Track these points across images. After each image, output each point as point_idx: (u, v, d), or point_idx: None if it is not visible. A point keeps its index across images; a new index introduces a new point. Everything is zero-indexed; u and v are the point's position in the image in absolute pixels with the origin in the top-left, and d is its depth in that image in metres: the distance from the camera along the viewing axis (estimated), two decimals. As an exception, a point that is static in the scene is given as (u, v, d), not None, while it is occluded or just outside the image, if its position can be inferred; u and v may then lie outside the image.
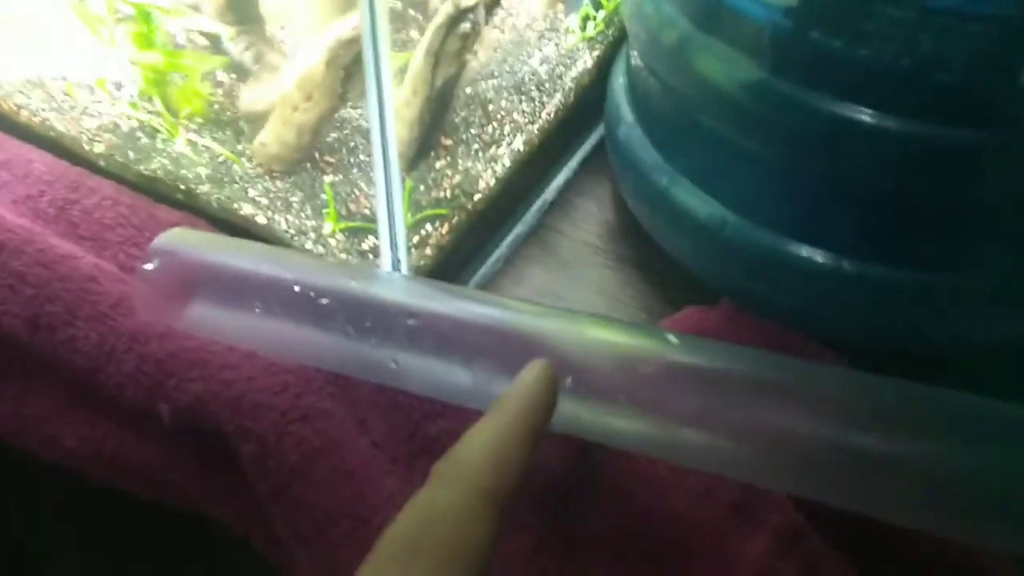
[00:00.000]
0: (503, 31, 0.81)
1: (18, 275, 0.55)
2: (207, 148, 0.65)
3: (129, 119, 0.67)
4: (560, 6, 0.83)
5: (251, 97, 0.64)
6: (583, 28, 0.78)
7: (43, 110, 0.67)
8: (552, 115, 0.73)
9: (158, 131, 0.66)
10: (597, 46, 0.78)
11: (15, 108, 0.67)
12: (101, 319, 0.54)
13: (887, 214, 0.53)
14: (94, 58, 0.68)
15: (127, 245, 0.61)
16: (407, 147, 0.64)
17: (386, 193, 0.54)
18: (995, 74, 0.47)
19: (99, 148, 0.65)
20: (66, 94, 0.68)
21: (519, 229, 0.76)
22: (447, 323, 0.48)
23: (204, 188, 0.62)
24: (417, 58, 0.60)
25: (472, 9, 0.59)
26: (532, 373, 0.39)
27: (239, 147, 0.65)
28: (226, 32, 0.62)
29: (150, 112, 0.67)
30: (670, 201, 0.66)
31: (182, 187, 0.63)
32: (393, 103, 0.49)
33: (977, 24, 0.46)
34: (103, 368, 0.53)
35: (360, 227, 0.61)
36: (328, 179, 0.63)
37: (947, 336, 0.56)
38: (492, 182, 0.68)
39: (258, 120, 0.63)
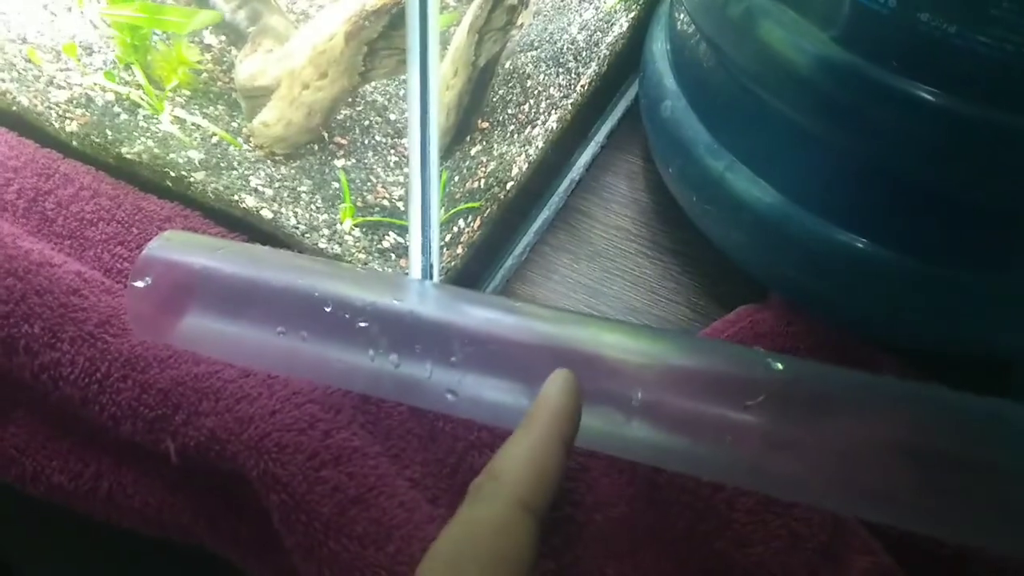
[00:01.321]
0: None
1: (-13, 288, 0.48)
2: (197, 127, 0.57)
3: (104, 91, 0.58)
4: None
5: (251, 69, 0.55)
6: None
7: (2, 81, 0.58)
8: (586, 87, 0.66)
9: (139, 106, 0.58)
10: (634, 6, 0.71)
11: (-34, 76, 0.59)
12: (89, 340, 0.47)
13: (970, 214, 0.50)
14: (59, 16, 0.59)
15: (112, 244, 0.54)
16: (444, 135, 0.57)
17: (422, 193, 0.48)
18: None
19: (71, 126, 0.57)
20: (29, 60, 0.60)
21: (546, 214, 0.70)
22: (506, 346, 0.43)
23: (198, 175, 0.55)
24: (460, 34, 0.53)
25: None
26: (557, 384, 0.39)
27: (234, 125, 0.58)
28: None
29: (128, 83, 0.59)
30: (725, 189, 0.60)
31: (172, 174, 0.55)
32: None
33: None
34: (94, 398, 0.47)
35: (381, 221, 0.55)
36: (340, 164, 0.56)
37: (1018, 342, 0.53)
38: (525, 167, 0.61)
39: (259, 96, 0.55)
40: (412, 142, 0.45)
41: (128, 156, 0.56)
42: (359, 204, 0.56)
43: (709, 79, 0.61)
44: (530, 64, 0.66)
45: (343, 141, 0.58)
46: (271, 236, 0.56)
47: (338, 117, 0.59)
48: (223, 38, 0.61)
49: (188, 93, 0.58)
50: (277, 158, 0.56)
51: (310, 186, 0.55)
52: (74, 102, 0.58)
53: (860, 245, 0.53)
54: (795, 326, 0.58)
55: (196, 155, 0.56)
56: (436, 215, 0.50)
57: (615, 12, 0.70)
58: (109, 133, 0.57)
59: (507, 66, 0.65)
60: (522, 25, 0.54)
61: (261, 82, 0.55)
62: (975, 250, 0.51)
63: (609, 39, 0.69)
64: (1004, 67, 0.44)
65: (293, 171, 0.56)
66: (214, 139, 0.57)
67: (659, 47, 0.67)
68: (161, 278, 0.47)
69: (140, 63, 0.55)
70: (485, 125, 0.62)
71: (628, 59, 0.70)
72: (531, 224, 0.68)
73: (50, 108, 0.58)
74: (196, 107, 0.58)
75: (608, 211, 0.72)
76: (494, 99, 0.63)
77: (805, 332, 0.57)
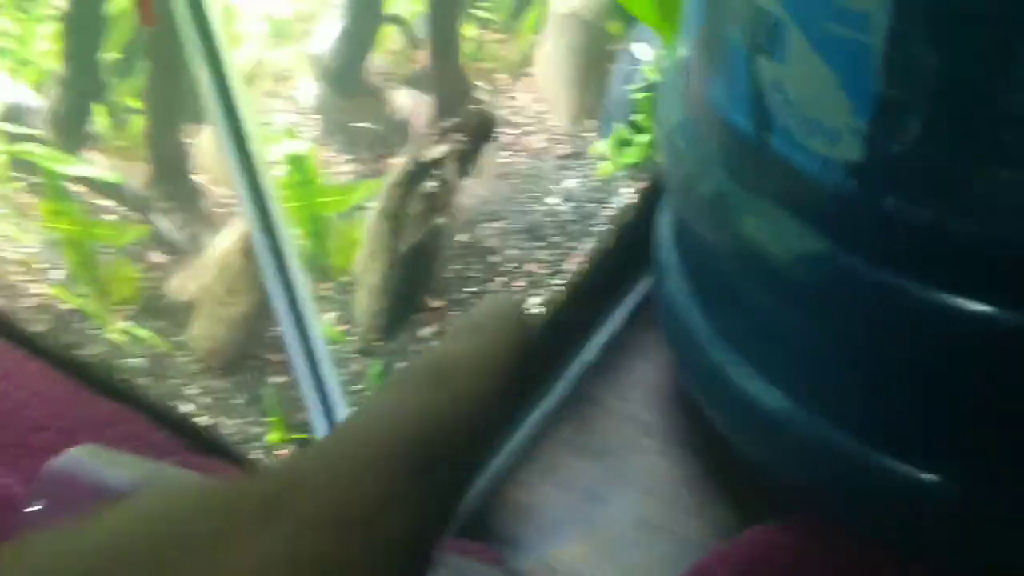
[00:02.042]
0: (511, 152, 0.69)
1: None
2: (141, 338, 0.57)
3: (62, 301, 0.60)
4: (589, 123, 0.70)
5: (178, 284, 0.55)
6: (618, 154, 0.65)
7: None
8: (585, 264, 0.60)
9: (90, 317, 0.59)
10: (641, 175, 0.65)
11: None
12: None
13: (990, 422, 0.41)
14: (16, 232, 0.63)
15: (48, 454, 0.53)
16: (374, 318, 0.53)
17: (321, 403, 0.43)
18: None
19: (35, 328, 0.58)
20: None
21: (548, 403, 0.63)
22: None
23: (143, 381, 0.54)
24: (371, 218, 0.50)
25: (438, 163, 0.48)
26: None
27: (180, 337, 0.58)
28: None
29: (80, 296, 0.60)
30: (726, 384, 0.52)
31: (119, 378, 0.55)
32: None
33: None
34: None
35: (307, 440, 0.51)
36: (273, 380, 0.53)
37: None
38: (498, 359, 0.55)
39: (189, 309, 0.55)
40: (290, 347, 0.41)
41: (82, 359, 0.56)
42: (293, 421, 0.52)
43: (701, 262, 0.53)
44: (495, 237, 0.61)
45: (276, 358, 0.55)
46: (211, 443, 0.53)
47: (274, 332, 0.57)
48: (169, 256, 0.62)
49: (134, 306, 0.58)
50: (216, 370, 0.54)
51: (245, 399, 0.53)
52: (39, 308, 0.60)
53: (877, 457, 0.44)
54: (819, 548, 0.50)
55: (141, 363, 0.55)
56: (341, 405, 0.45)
57: (613, 180, 0.64)
58: (66, 337, 0.58)
59: (464, 239, 0.60)
60: (452, 212, 0.50)
61: (185, 297, 0.54)
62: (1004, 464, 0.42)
63: (609, 211, 0.62)
64: (1004, 258, 0.35)
65: (230, 384, 0.54)
66: (158, 349, 0.57)
67: (666, 223, 0.60)
68: (57, 501, 0.45)
69: (88, 277, 0.57)
70: (439, 304, 0.57)
71: (648, 230, 0.63)
72: (528, 415, 0.61)
73: (15, 311, 0.60)
74: (143, 319, 0.59)
75: (623, 399, 0.64)
76: (448, 275, 0.58)
77: (831, 555, 0.50)
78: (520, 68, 0.77)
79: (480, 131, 0.52)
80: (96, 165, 0.58)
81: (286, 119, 0.73)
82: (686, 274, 0.56)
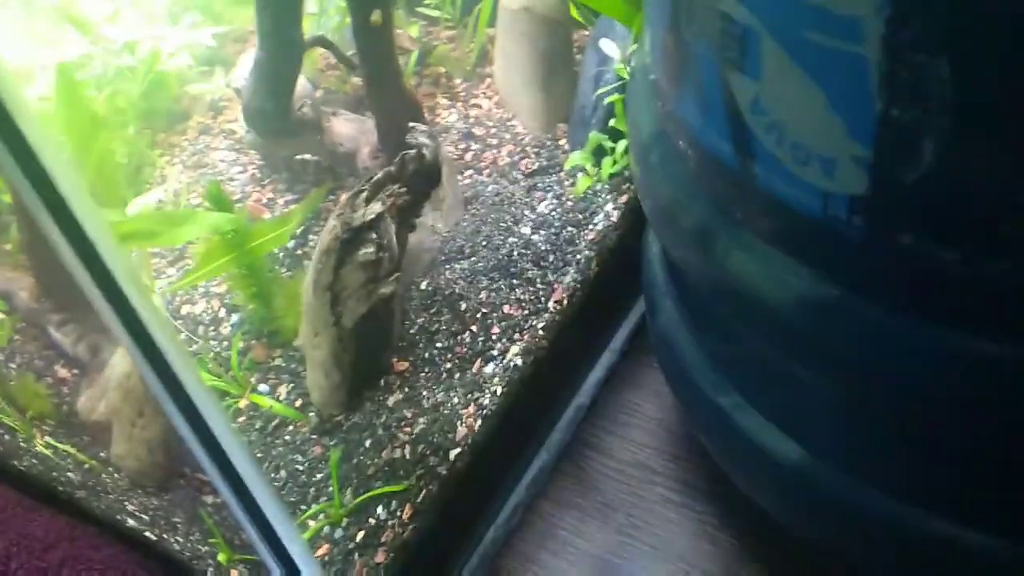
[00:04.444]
0: (475, 171, 0.63)
1: None
2: (70, 453, 0.53)
3: None
4: (561, 127, 0.64)
5: (86, 403, 0.50)
6: (595, 165, 0.59)
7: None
8: (567, 300, 0.55)
9: (16, 431, 0.55)
10: (624, 187, 0.58)
11: None
12: None
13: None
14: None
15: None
16: (328, 395, 0.48)
17: (257, 526, 0.38)
18: None
19: None
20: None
21: (544, 458, 0.58)
22: None
23: (81, 494, 0.49)
24: (307, 291, 0.44)
25: (372, 224, 0.42)
26: None
27: (104, 454, 0.53)
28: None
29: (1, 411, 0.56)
30: (732, 427, 0.47)
31: (59, 489, 0.50)
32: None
33: None
34: None
35: (257, 561, 0.46)
36: (209, 499, 0.48)
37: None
38: (478, 422, 0.50)
39: (106, 427, 0.50)
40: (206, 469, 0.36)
41: (20, 468, 0.51)
42: (237, 541, 0.47)
43: (700, 300, 0.48)
44: (462, 280, 0.55)
45: (204, 477, 0.50)
46: (166, 555, 0.48)
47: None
48: (76, 371, 0.57)
49: (52, 421, 0.54)
50: (148, 489, 0.49)
51: (185, 518, 0.48)
52: None
53: (890, 506, 0.41)
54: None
55: (74, 476, 0.50)
56: (292, 537, 0.40)
57: (594, 195, 0.58)
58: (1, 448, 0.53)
59: (425, 287, 0.55)
60: (397, 279, 0.44)
61: (96, 417, 0.49)
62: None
63: (590, 234, 0.57)
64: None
65: (165, 503, 0.50)
66: (86, 465, 0.52)
67: (654, 249, 0.54)
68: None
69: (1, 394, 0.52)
70: (404, 366, 0.52)
71: (639, 246, 0.57)
72: (520, 477, 0.56)
73: None
74: (63, 434, 0.54)
75: (626, 443, 0.59)
76: (411, 331, 0.53)
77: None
78: (476, 69, 0.70)
79: (421, 176, 0.46)
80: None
81: (221, 156, 0.68)
82: (681, 308, 0.51)
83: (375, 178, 0.43)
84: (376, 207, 0.43)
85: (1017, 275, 0.30)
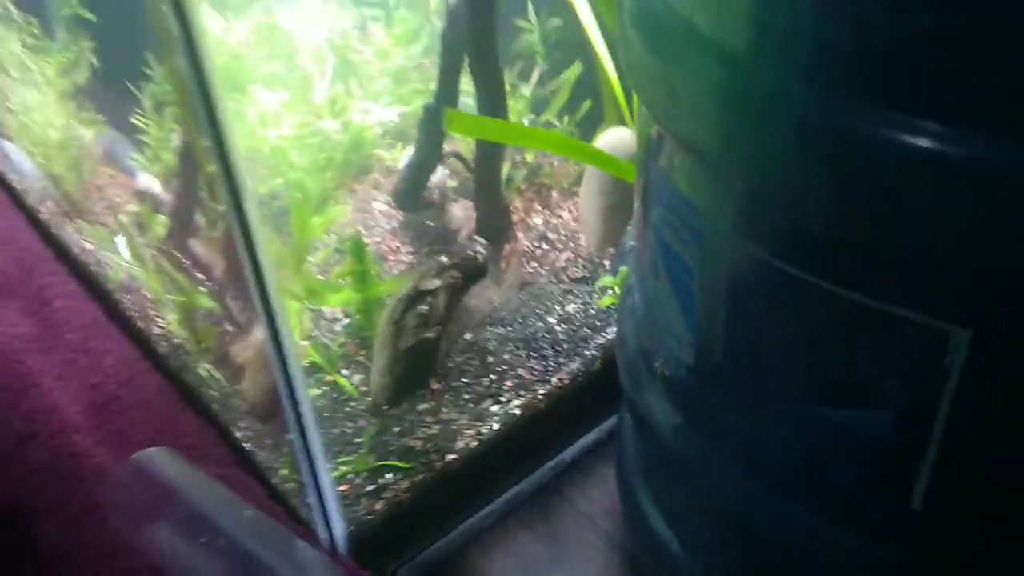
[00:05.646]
0: (539, 265, 0.86)
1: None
2: (216, 378, 0.81)
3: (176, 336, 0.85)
4: (611, 251, 0.86)
5: (235, 350, 0.77)
6: (619, 291, 0.81)
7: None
8: (567, 380, 0.77)
9: (189, 352, 0.83)
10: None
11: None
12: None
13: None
14: None
15: (144, 446, 0.77)
16: (380, 390, 0.74)
17: (305, 450, 0.63)
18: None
19: (160, 349, 0.83)
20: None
21: (522, 487, 0.80)
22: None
23: (216, 407, 0.78)
24: (384, 321, 0.70)
25: (432, 292, 0.67)
26: None
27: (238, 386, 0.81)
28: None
29: (184, 340, 0.84)
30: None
31: (201, 401, 0.79)
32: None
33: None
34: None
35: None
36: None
37: None
38: (474, 443, 0.73)
39: (240, 369, 0.78)
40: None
41: (182, 380, 0.80)
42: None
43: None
44: (495, 341, 0.79)
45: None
46: (252, 465, 0.75)
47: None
48: (236, 328, 0.85)
49: (213, 354, 0.81)
50: (256, 416, 0.76)
51: (271, 443, 0.75)
52: (163, 336, 0.85)
53: None
54: None
55: (216, 395, 0.79)
56: (325, 475, 0.64)
57: (611, 313, 0.81)
58: (175, 362, 0.82)
59: (469, 338, 0.79)
60: (438, 329, 0.68)
61: (239, 360, 0.76)
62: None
63: (601, 340, 0.79)
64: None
65: (266, 428, 0.77)
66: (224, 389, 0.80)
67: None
68: (131, 485, 0.69)
69: (190, 328, 0.80)
70: (437, 387, 0.76)
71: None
72: (500, 494, 0.78)
73: (149, 334, 0.85)
74: (217, 365, 0.81)
75: (585, 496, 0.80)
76: (450, 365, 0.78)
77: None
78: (571, 188, 0.94)
79: (471, 273, 0.71)
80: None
81: (379, 208, 0.95)
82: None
83: (443, 261, 0.69)
84: (436, 282, 0.68)
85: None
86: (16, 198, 1.10)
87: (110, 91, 0.97)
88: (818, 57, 0.38)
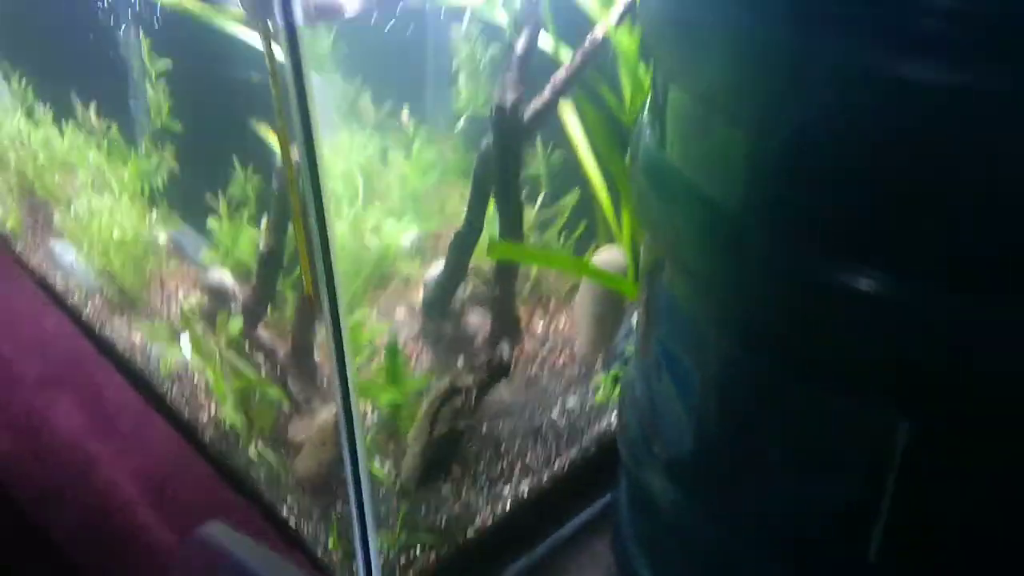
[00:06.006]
0: (541, 365, 1.00)
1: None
2: (269, 460, 0.92)
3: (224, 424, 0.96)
4: (603, 353, 1.00)
5: (292, 428, 0.88)
6: (612, 387, 0.95)
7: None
8: (567, 465, 0.90)
9: (240, 437, 0.94)
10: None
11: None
12: None
13: None
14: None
15: (199, 520, 0.87)
16: (410, 472, 0.86)
17: (360, 521, 0.74)
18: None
19: (204, 438, 0.94)
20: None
21: (523, 562, 0.91)
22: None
23: (257, 481, 0.88)
24: (421, 413, 0.83)
25: (464, 390, 0.80)
26: None
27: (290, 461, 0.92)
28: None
29: (235, 420, 0.95)
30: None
31: (250, 483, 0.90)
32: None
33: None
34: None
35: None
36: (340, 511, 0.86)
37: None
38: (489, 520, 0.85)
39: (297, 447, 0.88)
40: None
41: (231, 464, 0.91)
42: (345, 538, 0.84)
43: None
44: (506, 431, 0.93)
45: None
46: (294, 534, 0.86)
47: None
48: (292, 407, 0.96)
49: (271, 433, 0.92)
50: (304, 489, 0.87)
51: (318, 514, 0.85)
52: (210, 423, 0.96)
53: None
54: None
55: (263, 474, 0.89)
56: (373, 547, 0.75)
57: (606, 407, 0.94)
58: (223, 447, 0.93)
59: (484, 429, 0.92)
60: (470, 421, 0.81)
61: (296, 439, 0.87)
62: None
63: (596, 431, 0.92)
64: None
65: (313, 503, 0.86)
66: (275, 470, 0.91)
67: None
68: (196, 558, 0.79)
69: (245, 408, 0.92)
70: (458, 471, 0.88)
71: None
72: (502, 570, 0.89)
73: (197, 423, 0.96)
74: (271, 444, 0.92)
75: (581, 572, 0.91)
76: (468, 453, 0.90)
77: None
78: (569, 297, 1.08)
79: (496, 372, 0.85)
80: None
81: (401, 315, 1.08)
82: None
83: (478, 363, 0.82)
84: (468, 379, 0.81)
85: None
86: (57, 297, 1.22)
87: (187, 193, 1.09)
88: (785, 216, 0.53)
